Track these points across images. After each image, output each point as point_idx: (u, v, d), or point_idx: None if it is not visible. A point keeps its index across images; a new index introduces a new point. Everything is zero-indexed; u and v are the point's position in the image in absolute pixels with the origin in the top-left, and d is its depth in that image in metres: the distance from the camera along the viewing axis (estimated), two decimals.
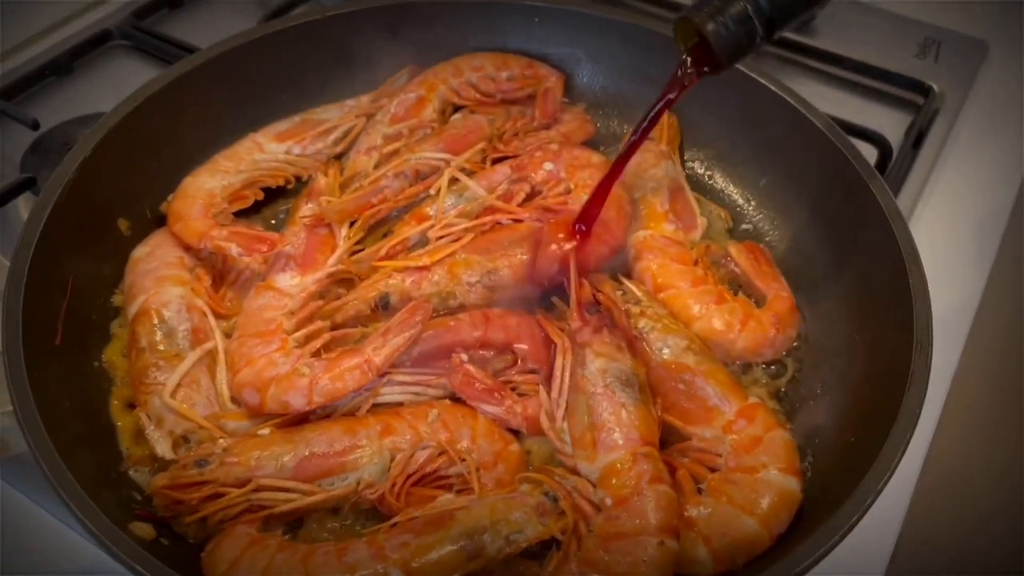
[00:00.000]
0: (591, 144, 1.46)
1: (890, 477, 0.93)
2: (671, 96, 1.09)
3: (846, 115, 1.71)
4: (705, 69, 1.04)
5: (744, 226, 1.38)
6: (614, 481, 0.98)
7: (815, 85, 1.86)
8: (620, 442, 1.01)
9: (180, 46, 1.76)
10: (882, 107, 1.83)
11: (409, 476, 1.03)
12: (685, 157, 1.45)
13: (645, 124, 1.12)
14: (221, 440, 1.05)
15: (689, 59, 1.05)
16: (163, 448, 1.06)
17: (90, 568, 1.09)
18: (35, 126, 1.55)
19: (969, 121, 1.77)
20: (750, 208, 1.41)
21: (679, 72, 1.06)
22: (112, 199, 1.26)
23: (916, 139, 1.69)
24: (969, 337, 1.42)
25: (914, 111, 1.76)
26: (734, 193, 1.42)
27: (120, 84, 1.70)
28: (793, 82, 1.74)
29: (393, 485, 1.02)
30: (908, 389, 0.99)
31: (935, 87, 1.79)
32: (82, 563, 1.10)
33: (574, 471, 1.03)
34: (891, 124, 1.77)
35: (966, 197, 1.62)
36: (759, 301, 1.25)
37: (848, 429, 1.08)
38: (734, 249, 1.29)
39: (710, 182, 1.45)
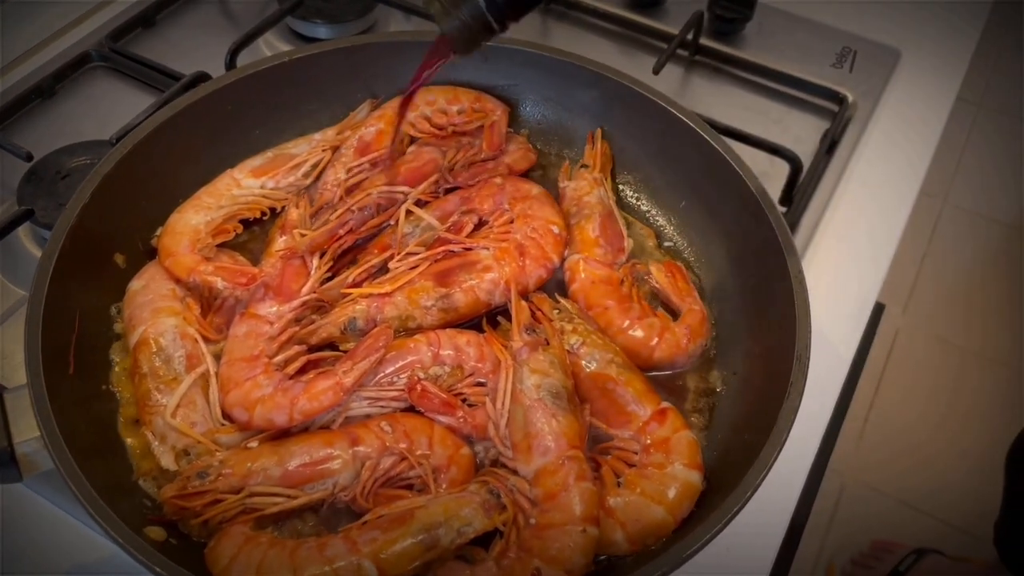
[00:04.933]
0: (533, 170, 1.63)
1: (767, 473, 1.13)
2: (426, 72, 1.20)
3: (769, 122, 1.90)
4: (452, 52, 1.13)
5: (667, 243, 1.56)
6: (546, 480, 1.17)
7: (741, 94, 2.03)
8: (551, 447, 1.19)
9: (156, 69, 1.90)
10: (802, 114, 2.01)
11: (376, 480, 1.22)
12: (617, 180, 1.63)
13: (411, 88, 1.25)
14: (218, 453, 1.22)
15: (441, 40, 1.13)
16: (167, 461, 1.23)
17: (108, 558, 1.29)
18: (29, 158, 1.68)
19: (878, 129, 1.96)
20: (671, 228, 1.58)
21: (434, 50, 1.17)
22: (110, 237, 1.40)
23: (830, 146, 1.88)
24: (893, 313, 1.63)
25: (830, 118, 1.95)
26: (658, 215, 1.59)
27: (103, 107, 1.86)
28: (721, 91, 1.95)
29: (363, 488, 1.20)
30: (787, 397, 1.19)
31: (849, 96, 1.98)
32: (100, 555, 1.30)
33: (514, 472, 1.22)
34: (810, 131, 1.96)
35: (871, 200, 1.82)
36: (675, 315, 1.43)
37: (743, 429, 1.29)
38: (655, 268, 1.46)
39: (637, 203, 1.61)
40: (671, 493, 1.21)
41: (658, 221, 1.60)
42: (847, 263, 1.72)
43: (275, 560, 1.12)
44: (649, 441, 1.26)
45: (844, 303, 1.65)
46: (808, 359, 1.22)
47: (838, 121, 1.91)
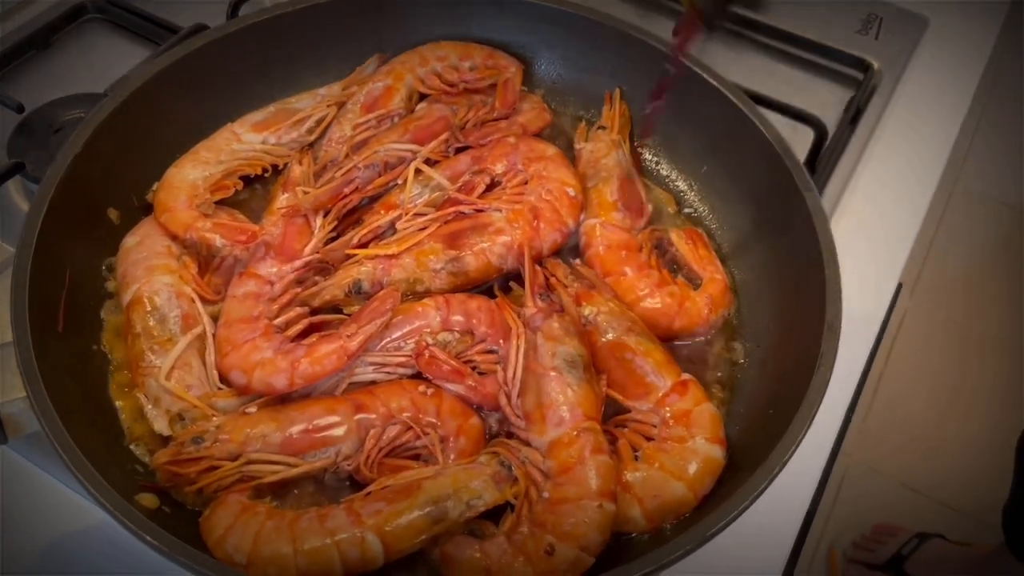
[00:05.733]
0: (547, 132, 1.56)
1: (795, 449, 1.07)
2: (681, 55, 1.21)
3: (793, 90, 1.82)
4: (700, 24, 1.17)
5: (687, 210, 1.50)
6: (561, 452, 1.11)
7: (764, 60, 1.96)
8: (566, 418, 1.13)
9: (153, 21, 1.82)
10: (826, 82, 1.94)
11: (381, 449, 1.16)
12: (635, 143, 1.56)
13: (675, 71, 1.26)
14: (214, 418, 1.17)
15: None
16: (161, 426, 1.17)
17: (98, 525, 1.23)
18: (20, 109, 1.61)
19: (903, 98, 1.88)
20: (692, 194, 1.52)
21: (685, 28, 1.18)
22: (102, 191, 1.34)
23: (854, 115, 1.81)
24: (903, 294, 1.57)
25: (854, 87, 1.87)
26: (678, 179, 1.53)
27: (97, 60, 1.78)
28: (743, 58, 1.87)
29: (367, 457, 1.15)
30: (816, 369, 1.13)
31: (874, 64, 1.90)
32: (89, 522, 1.24)
33: (527, 443, 1.16)
34: (834, 99, 1.88)
35: (896, 173, 1.75)
36: (696, 283, 1.37)
37: (768, 403, 1.23)
38: (675, 235, 1.40)
39: (657, 168, 1.55)
40: (692, 468, 1.15)
41: (678, 186, 1.53)
42: (871, 237, 1.65)
43: (273, 531, 1.07)
44: (669, 414, 1.20)
45: (868, 279, 1.58)
46: (839, 328, 1.16)
47: (863, 89, 1.84)
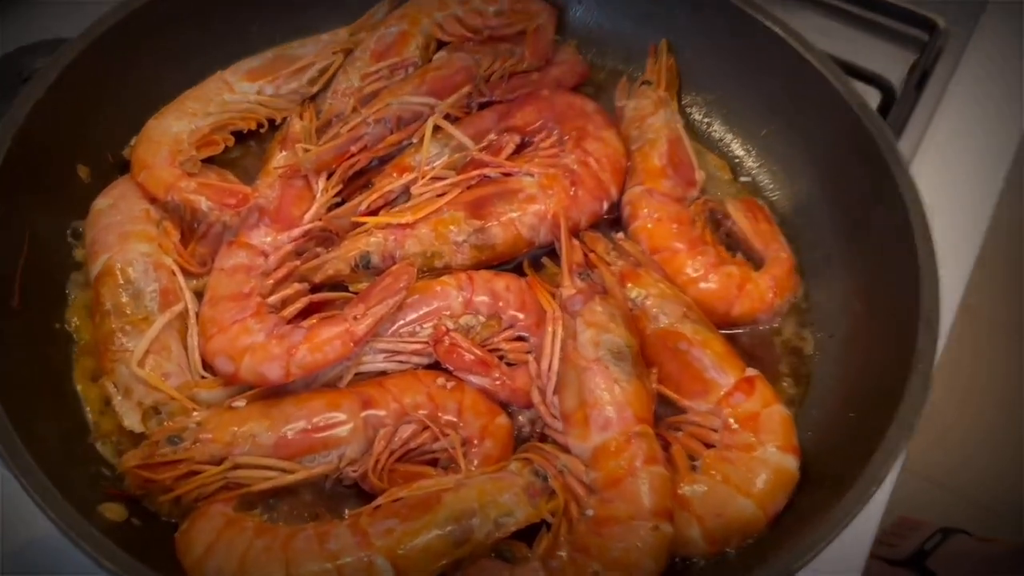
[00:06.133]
0: (583, 87, 1.37)
1: (894, 462, 0.90)
2: None
3: (849, 52, 1.63)
4: None
5: (743, 178, 1.33)
6: (607, 462, 0.95)
7: (818, 19, 1.76)
8: (613, 421, 0.96)
9: None
10: (886, 44, 1.74)
11: (392, 452, 1.00)
12: (683, 102, 1.38)
13: None
14: (195, 413, 1.00)
15: None
16: (132, 420, 1.02)
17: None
18: None
19: (973, 60, 1.69)
20: (750, 160, 1.34)
21: None
22: (70, 144, 1.18)
23: (920, 79, 1.62)
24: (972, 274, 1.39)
25: (918, 49, 1.68)
26: (733, 143, 1.35)
27: (72, 6, 1.58)
28: (795, 16, 1.67)
29: (376, 462, 0.98)
30: (913, 369, 0.95)
31: (940, 23, 1.71)
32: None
33: (565, 449, 0.99)
34: (894, 62, 1.69)
35: (969, 140, 1.56)
36: (757, 262, 1.20)
37: (847, 403, 1.05)
38: (732, 206, 1.23)
39: (708, 130, 1.37)
40: (761, 482, 0.99)
41: (733, 151, 1.35)
42: (942, 215, 1.46)
43: (263, 551, 0.90)
44: (732, 417, 1.03)
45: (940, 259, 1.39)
46: (938, 322, 0.98)
47: (928, 51, 1.65)
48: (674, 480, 0.97)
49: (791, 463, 1.00)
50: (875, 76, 1.51)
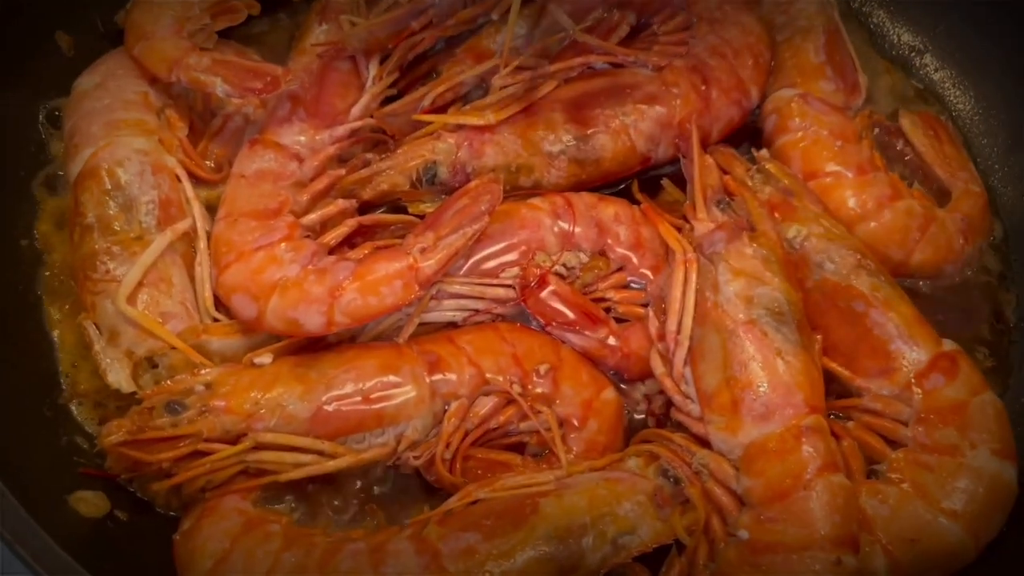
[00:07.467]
0: None
1: None
2: None
3: None
4: None
5: (915, 84, 1.07)
6: (768, 466, 0.72)
7: None
8: (776, 408, 0.73)
9: None
10: None
11: (467, 434, 0.78)
12: None
13: None
14: (204, 371, 0.78)
15: None
16: (118, 376, 0.82)
17: None
18: None
19: None
20: (923, 61, 1.10)
21: None
22: (50, 6, 0.96)
23: None
24: None
25: None
26: (902, 40, 1.10)
27: None
28: None
29: (446, 446, 0.77)
30: None
31: None
32: None
33: (703, 441, 0.76)
34: None
35: None
36: (940, 196, 0.96)
37: None
38: (907, 121, 0.99)
39: (868, 23, 1.11)
40: (969, 497, 0.75)
41: (903, 50, 1.10)
42: None
43: (296, 569, 0.67)
44: (927, 406, 0.79)
45: None
46: None
47: None
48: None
49: (1009, 473, 0.77)
50: None
